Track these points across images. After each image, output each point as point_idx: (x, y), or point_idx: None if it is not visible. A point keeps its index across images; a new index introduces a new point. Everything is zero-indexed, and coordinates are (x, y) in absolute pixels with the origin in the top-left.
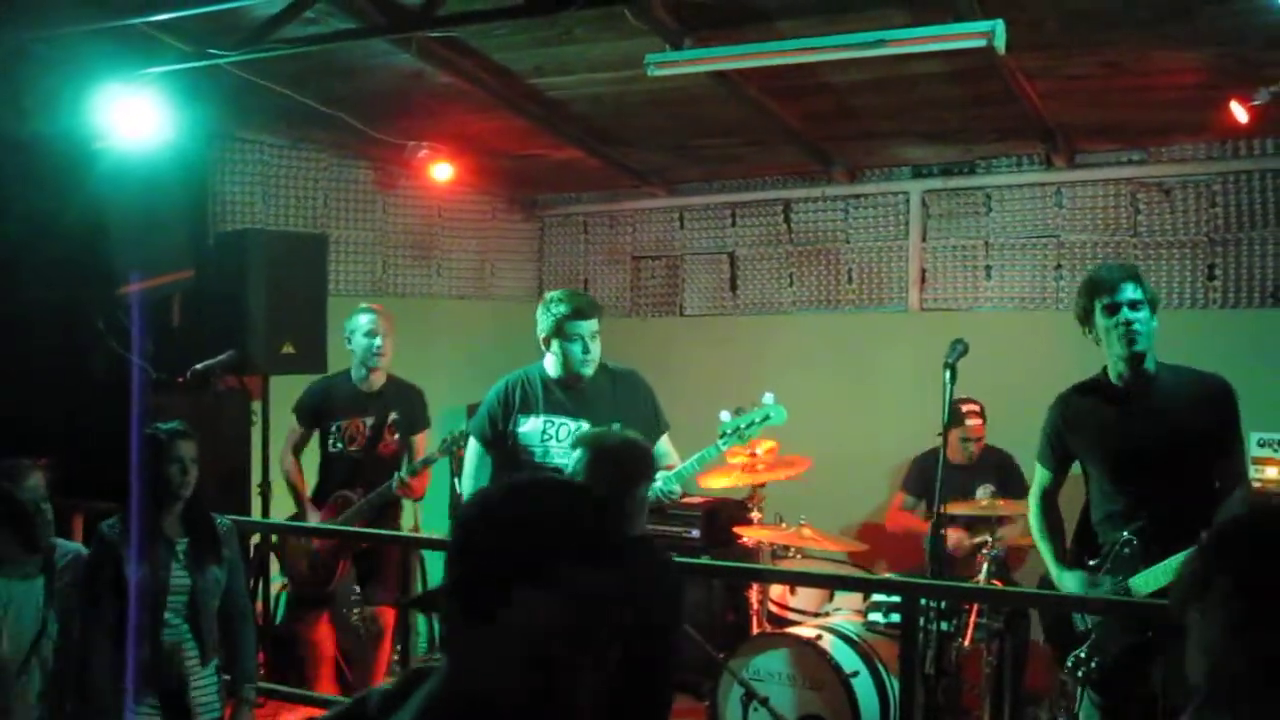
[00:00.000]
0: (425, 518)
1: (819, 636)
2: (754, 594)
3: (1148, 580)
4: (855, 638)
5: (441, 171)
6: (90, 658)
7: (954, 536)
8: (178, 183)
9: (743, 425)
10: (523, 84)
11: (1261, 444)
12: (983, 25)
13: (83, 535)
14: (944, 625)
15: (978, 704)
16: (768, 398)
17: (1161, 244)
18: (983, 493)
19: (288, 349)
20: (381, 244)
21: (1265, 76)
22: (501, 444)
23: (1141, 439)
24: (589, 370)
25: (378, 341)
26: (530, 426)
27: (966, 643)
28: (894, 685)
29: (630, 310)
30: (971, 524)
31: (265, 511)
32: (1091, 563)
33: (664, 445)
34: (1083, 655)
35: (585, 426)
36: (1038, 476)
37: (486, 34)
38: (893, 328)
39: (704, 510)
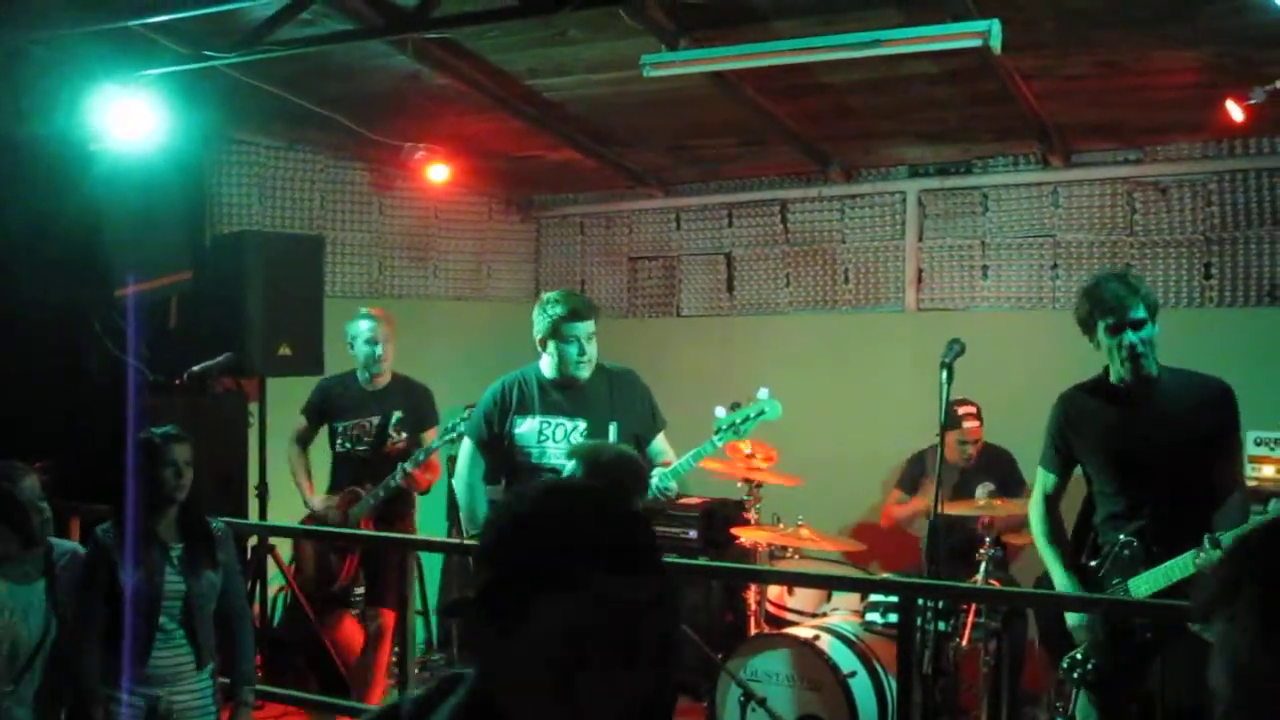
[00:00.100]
0: (422, 520)
1: (817, 637)
2: (752, 595)
3: (1147, 582)
4: (853, 638)
5: (438, 173)
6: (82, 660)
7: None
8: (174, 184)
9: (738, 420)
10: (519, 85)
11: (1258, 443)
12: (979, 25)
13: (79, 537)
14: (941, 625)
15: (975, 704)
16: (763, 393)
17: (1158, 243)
18: (981, 492)
19: (284, 351)
20: (378, 245)
21: (1261, 75)
22: (498, 445)
23: (1143, 441)
24: (585, 372)
25: (378, 350)
26: (526, 427)
27: (964, 642)
28: (891, 685)
29: (627, 311)
30: (969, 521)
31: (263, 514)
32: (1092, 563)
33: (660, 444)
34: (1079, 657)
35: (582, 427)
36: (1040, 480)
37: (482, 35)
38: (889, 328)
39: (701, 511)
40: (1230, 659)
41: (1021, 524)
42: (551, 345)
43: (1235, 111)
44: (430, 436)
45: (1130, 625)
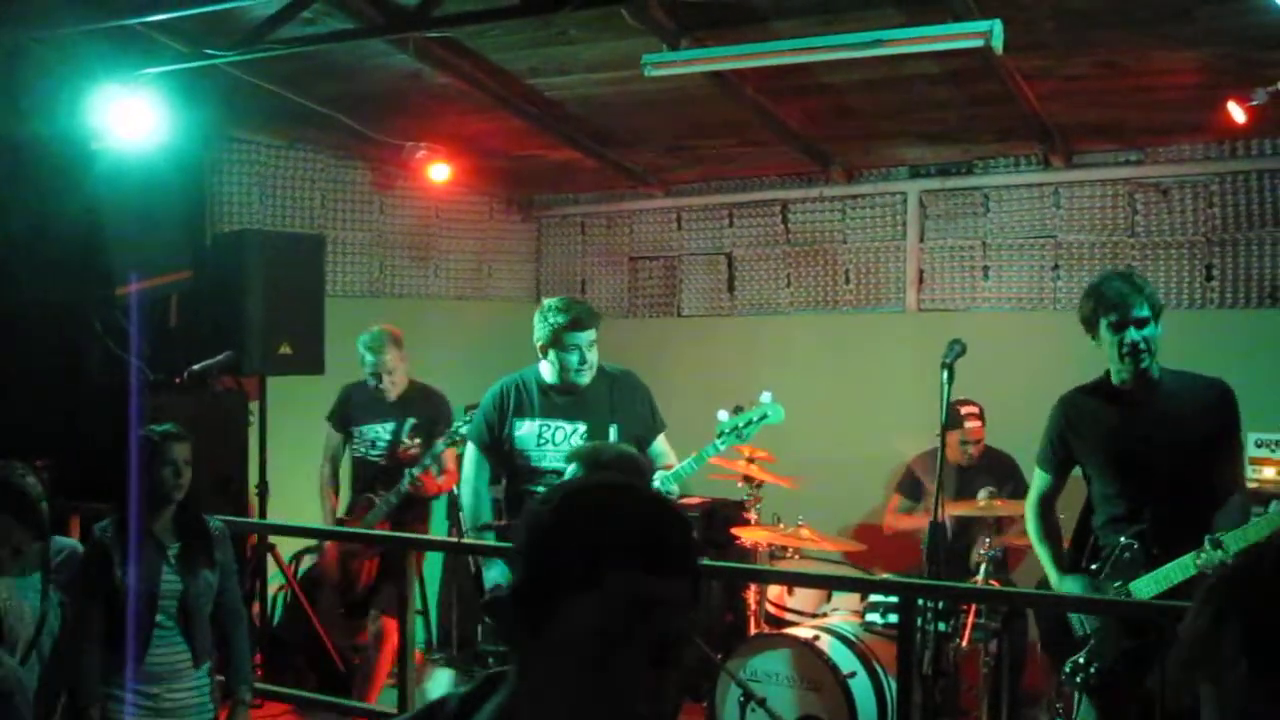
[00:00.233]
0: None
1: (816, 637)
2: (752, 595)
3: (1148, 585)
4: (853, 638)
5: (439, 172)
6: (79, 658)
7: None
8: (175, 183)
9: (740, 424)
10: (520, 84)
11: (1259, 444)
12: (980, 25)
13: (79, 535)
14: (941, 626)
15: (975, 704)
16: (765, 396)
17: (1159, 244)
18: (983, 494)
19: (285, 350)
20: (379, 244)
21: (1263, 77)
22: (498, 448)
23: (1144, 444)
24: (585, 379)
25: (382, 382)
26: (526, 430)
27: (964, 643)
28: (891, 686)
29: (628, 311)
30: (971, 525)
31: (262, 513)
32: (1093, 566)
33: (661, 445)
34: (1081, 661)
35: (582, 430)
36: (1036, 481)
37: (483, 34)
38: (890, 328)
39: (702, 511)
40: (1223, 709)
41: (1023, 527)
42: (552, 353)
43: (1237, 113)
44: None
45: (1139, 629)
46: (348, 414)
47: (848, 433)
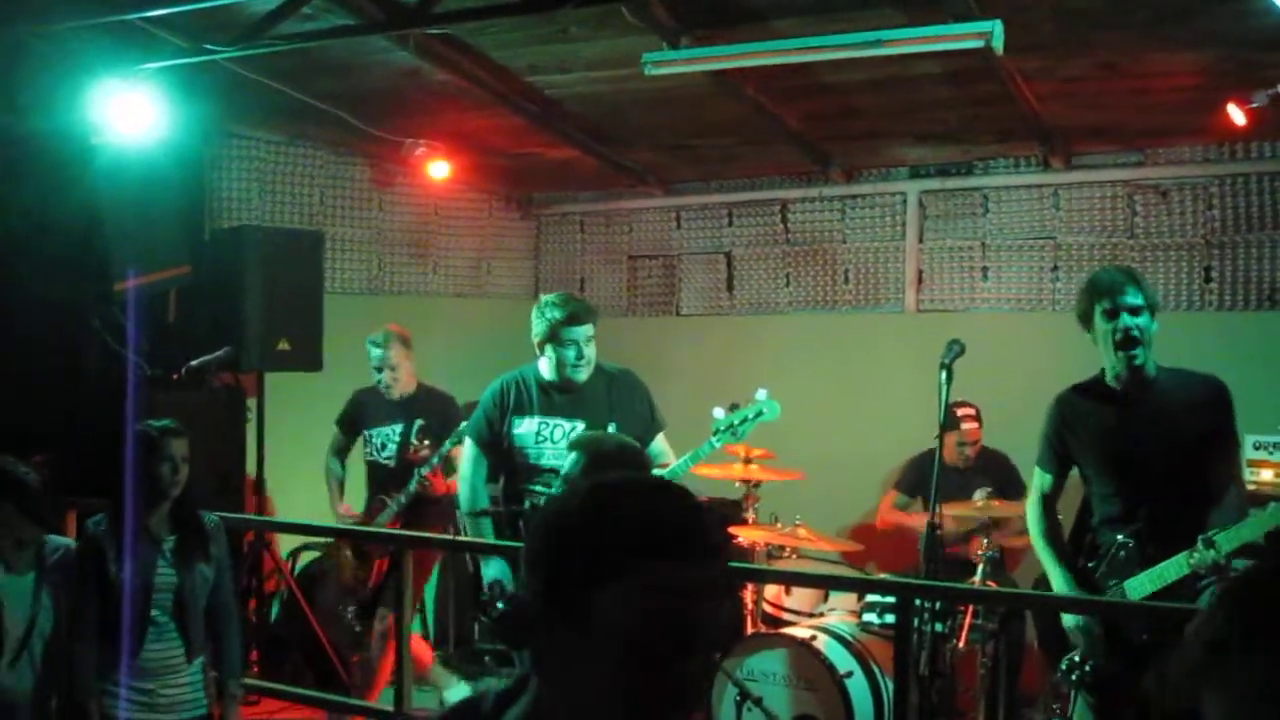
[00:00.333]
0: None
1: (814, 637)
2: (749, 594)
3: (1143, 584)
4: (850, 638)
5: (438, 169)
6: (75, 653)
7: (948, 524)
8: (174, 179)
9: (736, 421)
10: (520, 82)
11: (1257, 446)
12: (981, 25)
13: (76, 531)
14: (938, 626)
15: (972, 705)
16: (761, 393)
17: (1158, 246)
18: (980, 495)
19: (283, 346)
20: (378, 241)
21: (1263, 79)
22: (497, 446)
23: (1140, 443)
24: (583, 375)
25: (383, 377)
26: (525, 428)
27: (961, 644)
28: (888, 686)
29: (626, 310)
30: (968, 525)
31: (260, 509)
32: (1090, 565)
33: (659, 444)
34: (1077, 659)
35: (580, 428)
36: (1037, 480)
37: (483, 31)
38: (889, 328)
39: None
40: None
41: (1020, 528)
42: (549, 349)
43: (1236, 115)
44: None
45: (1127, 627)
46: (357, 417)
47: (846, 433)
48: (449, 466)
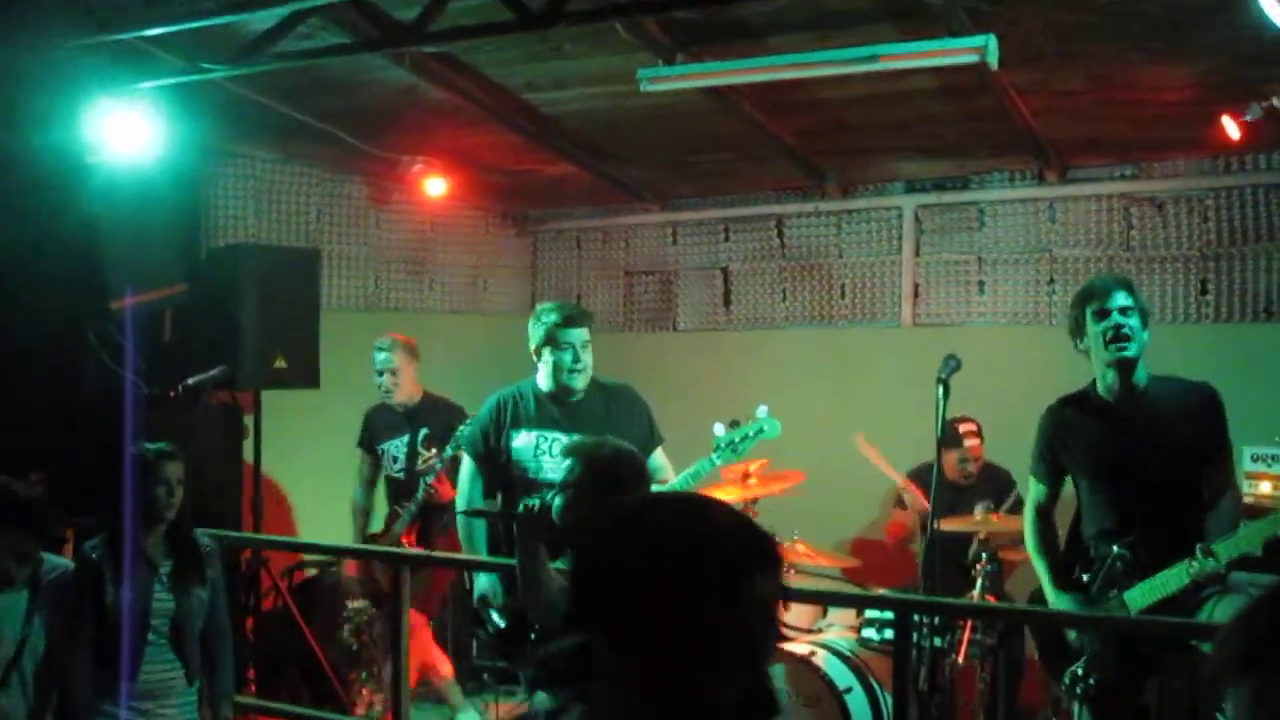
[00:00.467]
0: None
1: (812, 653)
2: None
3: (1142, 595)
4: (849, 654)
5: (434, 186)
6: (69, 676)
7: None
8: (170, 197)
9: (736, 439)
10: (516, 99)
11: (1254, 459)
12: (976, 40)
13: (73, 551)
14: (938, 641)
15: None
16: (761, 411)
17: (1154, 259)
18: (980, 509)
19: (280, 364)
20: (375, 259)
21: (1257, 92)
22: (495, 460)
23: (1133, 453)
24: (579, 381)
25: (384, 380)
26: (523, 441)
27: (960, 659)
28: (888, 702)
29: (623, 325)
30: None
31: (256, 527)
32: (1085, 577)
33: (659, 459)
34: (1080, 672)
35: None
36: (1031, 491)
37: (479, 49)
38: (886, 343)
39: None
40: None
41: (1019, 540)
42: (546, 352)
43: (1231, 128)
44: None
45: (1130, 638)
46: (372, 435)
47: (843, 447)
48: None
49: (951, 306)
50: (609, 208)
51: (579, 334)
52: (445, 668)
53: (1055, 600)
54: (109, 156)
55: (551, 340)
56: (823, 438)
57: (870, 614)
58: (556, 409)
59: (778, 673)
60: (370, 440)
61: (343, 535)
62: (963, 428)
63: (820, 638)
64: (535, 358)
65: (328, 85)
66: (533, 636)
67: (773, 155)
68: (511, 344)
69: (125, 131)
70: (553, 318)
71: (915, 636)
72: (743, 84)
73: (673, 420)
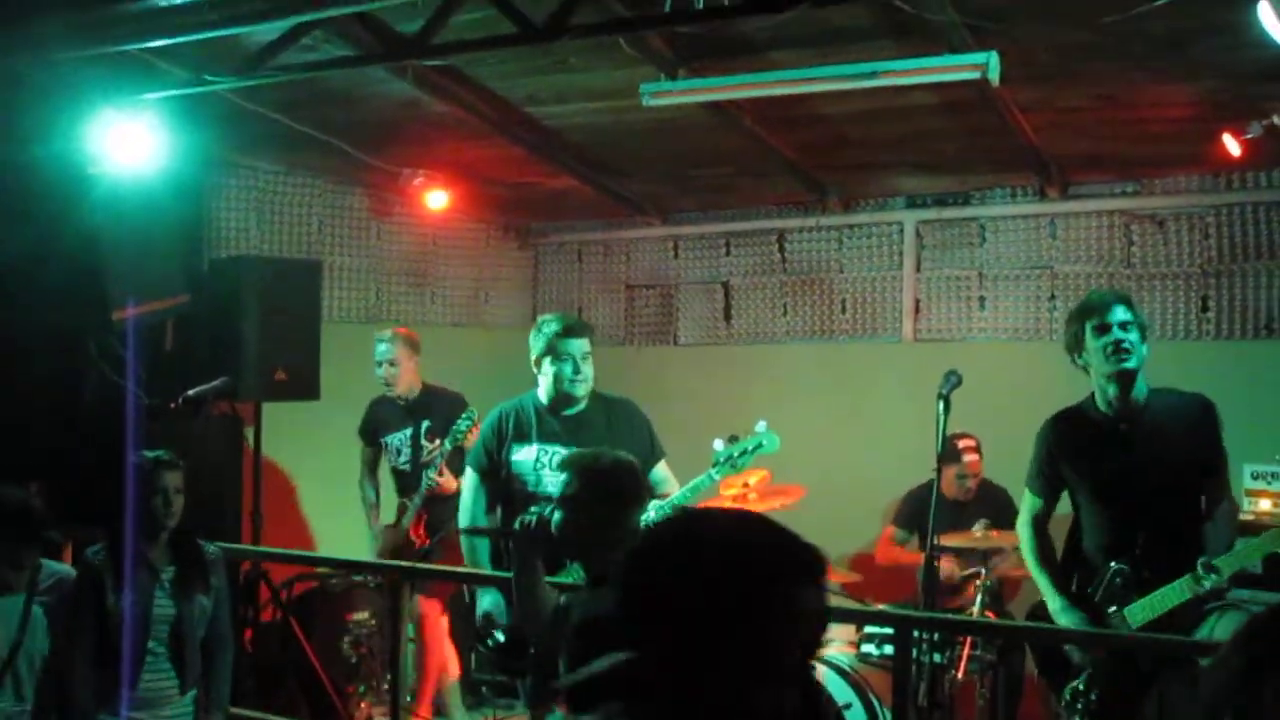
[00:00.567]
0: None
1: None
2: None
3: (1143, 610)
4: (848, 669)
5: (436, 199)
6: (70, 682)
7: (946, 567)
8: (172, 208)
9: (736, 454)
10: (518, 112)
11: (1255, 476)
12: (977, 57)
13: (72, 560)
14: (937, 657)
15: None
16: (761, 426)
17: (1155, 275)
18: (978, 527)
19: (281, 375)
20: (376, 271)
21: (1258, 110)
22: (496, 474)
23: (1131, 470)
24: (580, 391)
25: (383, 372)
26: (524, 455)
27: (960, 675)
28: (887, 717)
29: (624, 339)
30: (963, 555)
31: (256, 539)
32: (1089, 590)
33: (661, 472)
34: (1081, 688)
35: None
36: (1028, 503)
37: (482, 62)
38: (887, 358)
39: None
40: None
41: (1018, 559)
42: (547, 363)
43: (1232, 146)
44: (467, 441)
45: (1131, 653)
46: (374, 427)
47: (844, 462)
48: (457, 462)
49: (952, 322)
50: (610, 221)
51: (579, 345)
52: (454, 666)
53: (1058, 613)
54: (112, 167)
55: (552, 351)
56: (823, 453)
57: (870, 629)
58: (557, 423)
59: None
60: (373, 432)
61: (344, 547)
62: (962, 443)
63: (819, 653)
64: (536, 369)
65: (330, 97)
66: (532, 651)
67: (774, 170)
68: (513, 357)
69: (128, 143)
70: (553, 328)
71: (915, 652)
72: (744, 99)
73: (673, 434)
